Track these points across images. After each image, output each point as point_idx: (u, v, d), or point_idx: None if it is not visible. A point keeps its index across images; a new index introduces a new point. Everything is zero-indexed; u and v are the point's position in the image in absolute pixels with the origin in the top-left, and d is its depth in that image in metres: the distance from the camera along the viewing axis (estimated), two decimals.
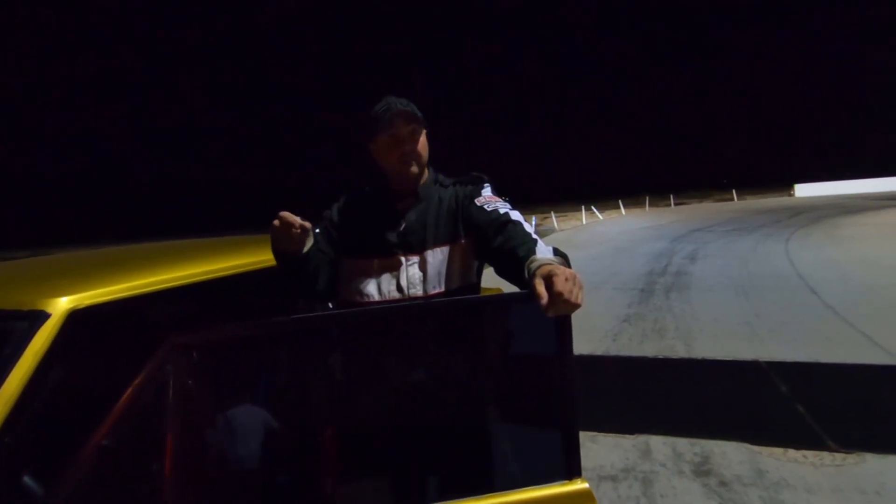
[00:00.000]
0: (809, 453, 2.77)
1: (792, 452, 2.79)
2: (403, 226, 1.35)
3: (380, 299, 1.33)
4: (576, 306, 0.98)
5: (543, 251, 1.15)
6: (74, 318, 1.11)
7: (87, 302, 1.14)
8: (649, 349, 4.68)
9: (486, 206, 1.32)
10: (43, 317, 1.09)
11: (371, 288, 1.34)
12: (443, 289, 1.32)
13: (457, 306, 1.21)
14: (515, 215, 1.29)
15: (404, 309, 1.20)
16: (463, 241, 1.34)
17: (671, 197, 33.37)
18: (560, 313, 0.99)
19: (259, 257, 1.57)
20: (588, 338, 5.05)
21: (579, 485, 1.02)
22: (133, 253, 1.77)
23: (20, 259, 1.96)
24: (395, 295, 1.33)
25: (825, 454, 2.76)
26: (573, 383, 1.05)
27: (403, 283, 1.32)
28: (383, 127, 1.31)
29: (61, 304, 1.11)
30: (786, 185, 34.11)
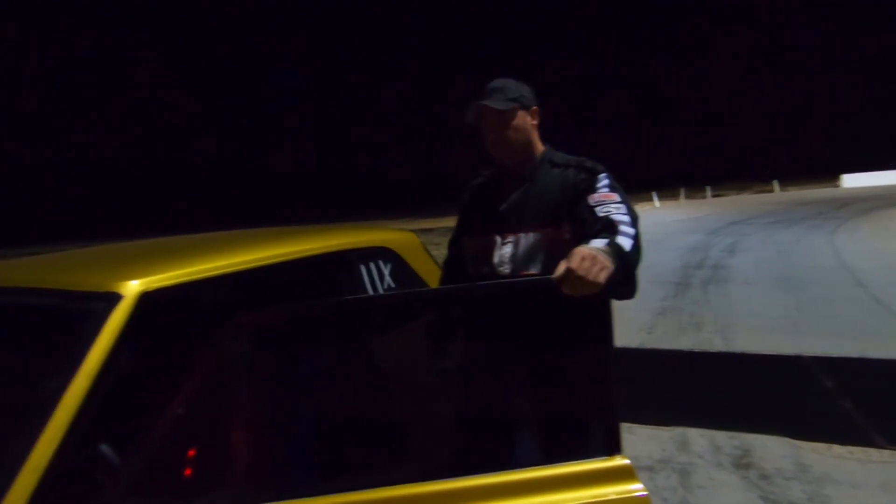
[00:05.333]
0: (856, 449, 2.70)
1: (837, 448, 2.73)
2: (504, 206, 1.40)
3: (473, 273, 1.39)
4: (594, 285, 0.98)
5: (597, 242, 1.14)
6: (145, 299, 1.20)
7: (157, 285, 1.23)
8: (685, 342, 4.62)
9: (597, 209, 1.27)
10: (116, 298, 1.18)
11: (469, 265, 1.42)
12: (532, 271, 1.34)
13: (505, 288, 1.25)
14: (620, 216, 1.23)
15: (450, 292, 1.25)
16: (564, 229, 1.34)
17: (708, 189, 32.30)
18: (577, 292, 0.99)
19: (317, 244, 1.65)
20: (622, 331, 5.00)
21: (619, 461, 1.05)
22: (198, 240, 1.88)
23: (93, 247, 2.11)
24: (485, 271, 1.37)
25: (872, 450, 2.68)
26: (612, 364, 1.08)
27: (496, 260, 1.37)
28: (471, 117, 1.38)
29: (133, 287, 1.20)
30: (832, 176, 32.57)
